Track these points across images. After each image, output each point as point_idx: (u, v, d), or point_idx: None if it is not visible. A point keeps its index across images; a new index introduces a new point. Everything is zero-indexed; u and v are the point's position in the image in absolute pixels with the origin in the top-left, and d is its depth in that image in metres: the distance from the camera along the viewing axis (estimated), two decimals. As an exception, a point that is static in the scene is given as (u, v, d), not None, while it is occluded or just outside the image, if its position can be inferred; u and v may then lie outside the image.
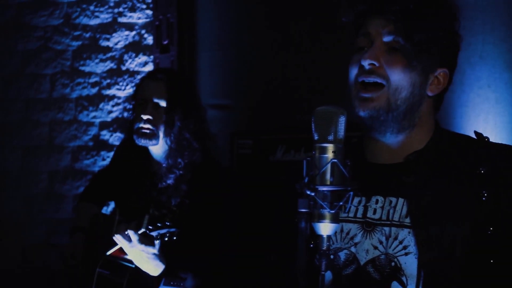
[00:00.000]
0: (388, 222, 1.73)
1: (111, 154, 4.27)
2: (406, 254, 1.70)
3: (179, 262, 2.73)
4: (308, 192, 1.48)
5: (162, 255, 2.69)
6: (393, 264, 1.70)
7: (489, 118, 3.33)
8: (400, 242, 1.71)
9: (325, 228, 1.51)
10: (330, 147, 1.52)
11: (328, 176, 1.50)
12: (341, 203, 1.50)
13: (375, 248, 1.73)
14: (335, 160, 1.50)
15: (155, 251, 2.65)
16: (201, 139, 2.98)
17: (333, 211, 1.49)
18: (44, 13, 4.43)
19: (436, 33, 1.74)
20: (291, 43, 3.87)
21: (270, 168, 3.65)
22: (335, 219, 1.51)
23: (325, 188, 1.49)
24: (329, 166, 1.50)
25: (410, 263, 1.69)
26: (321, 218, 1.50)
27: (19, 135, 4.45)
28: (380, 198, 1.77)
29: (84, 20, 4.38)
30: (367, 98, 1.73)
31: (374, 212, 1.76)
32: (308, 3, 3.82)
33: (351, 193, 1.51)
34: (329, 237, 1.51)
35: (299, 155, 3.61)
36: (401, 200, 1.74)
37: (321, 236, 1.51)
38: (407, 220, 1.72)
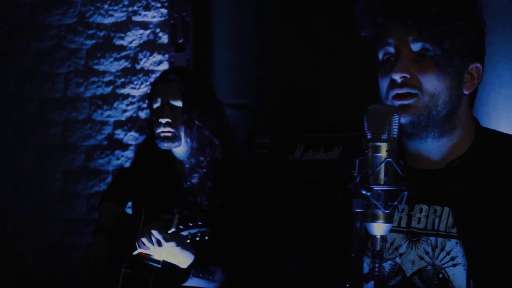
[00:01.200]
0: (434, 232, 1.68)
1: (126, 153, 4.26)
2: (454, 265, 1.66)
3: (210, 260, 2.71)
4: (364, 192, 1.46)
5: (190, 245, 2.66)
6: (441, 275, 1.66)
7: (511, 118, 3.30)
8: (448, 253, 1.67)
9: (379, 228, 1.49)
10: (384, 146, 1.50)
11: (382, 175, 1.48)
12: (395, 203, 1.48)
13: (421, 258, 1.69)
14: (390, 159, 1.48)
15: (184, 239, 2.63)
16: (221, 135, 2.96)
17: (387, 211, 1.48)
18: (58, 12, 4.40)
19: (465, 32, 1.65)
20: (307, 41, 3.85)
21: (289, 167, 3.62)
22: (389, 219, 1.49)
23: (380, 188, 1.47)
24: (383, 165, 1.48)
25: (458, 275, 1.65)
26: (374, 218, 1.48)
27: (33, 135, 4.42)
28: (424, 207, 1.72)
29: (98, 19, 4.36)
30: (406, 105, 1.66)
31: (419, 221, 1.71)
32: (324, 1, 3.80)
33: (405, 193, 1.49)
34: (382, 237, 1.49)
35: (318, 154, 3.58)
36: (446, 209, 1.69)
37: (374, 236, 1.49)
38: (454, 230, 1.67)
